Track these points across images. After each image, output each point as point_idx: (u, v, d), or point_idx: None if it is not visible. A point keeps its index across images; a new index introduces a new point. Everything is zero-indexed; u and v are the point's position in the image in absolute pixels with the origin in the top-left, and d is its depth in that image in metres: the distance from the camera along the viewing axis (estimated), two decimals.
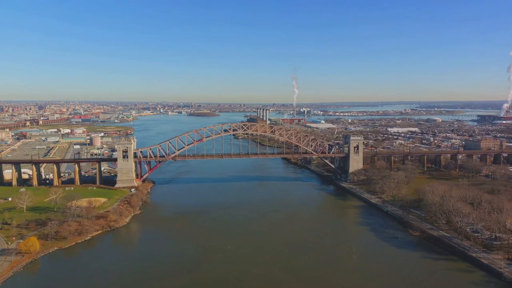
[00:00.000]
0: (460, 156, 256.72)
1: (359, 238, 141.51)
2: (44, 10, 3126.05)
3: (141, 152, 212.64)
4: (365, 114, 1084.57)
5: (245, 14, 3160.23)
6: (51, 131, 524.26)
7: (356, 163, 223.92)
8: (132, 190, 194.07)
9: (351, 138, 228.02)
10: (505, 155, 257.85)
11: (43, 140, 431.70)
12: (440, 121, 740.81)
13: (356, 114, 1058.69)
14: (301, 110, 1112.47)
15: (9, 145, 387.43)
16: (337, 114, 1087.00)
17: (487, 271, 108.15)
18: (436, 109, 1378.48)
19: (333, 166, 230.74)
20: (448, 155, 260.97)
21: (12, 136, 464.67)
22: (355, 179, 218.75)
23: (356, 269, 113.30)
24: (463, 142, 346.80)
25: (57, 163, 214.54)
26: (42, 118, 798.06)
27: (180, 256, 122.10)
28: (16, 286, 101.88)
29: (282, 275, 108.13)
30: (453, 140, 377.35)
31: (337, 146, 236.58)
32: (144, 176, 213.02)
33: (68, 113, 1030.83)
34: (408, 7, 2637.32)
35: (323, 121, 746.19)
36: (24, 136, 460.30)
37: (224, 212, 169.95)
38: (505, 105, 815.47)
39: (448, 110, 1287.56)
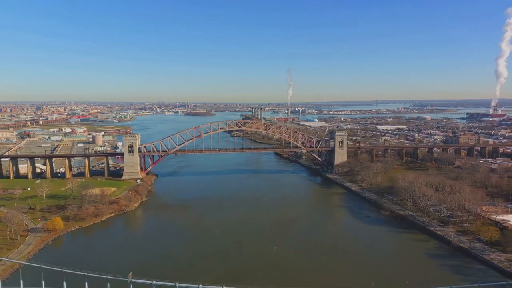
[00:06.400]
0: (439, 150, 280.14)
1: (337, 217, 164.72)
2: (41, 11, 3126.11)
3: (145, 147, 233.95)
4: (358, 112, 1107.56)
5: (241, 13, 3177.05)
6: (53, 131, 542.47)
7: (340, 156, 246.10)
8: (138, 181, 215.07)
9: (336, 133, 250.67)
10: (478, 148, 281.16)
11: (47, 139, 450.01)
12: (430, 119, 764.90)
13: (349, 113, 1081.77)
14: (296, 109, 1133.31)
15: (15, 143, 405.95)
16: (331, 113, 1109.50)
17: (440, 240, 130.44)
18: (428, 107, 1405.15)
19: (320, 159, 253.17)
20: (426, 148, 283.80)
21: (16, 135, 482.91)
22: (339, 170, 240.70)
23: (332, 237, 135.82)
24: (445, 138, 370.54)
25: (69, 157, 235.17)
26: (41, 118, 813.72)
27: (184, 233, 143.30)
28: (49, 254, 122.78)
29: (269, 241, 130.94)
30: (436, 136, 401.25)
31: (323, 141, 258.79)
32: (148, 169, 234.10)
33: (66, 113, 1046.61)
34: (405, 7, 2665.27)
35: (316, 120, 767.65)
36: (28, 135, 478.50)
37: (221, 198, 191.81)
38: (493, 101, 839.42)
39: (440, 108, 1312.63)
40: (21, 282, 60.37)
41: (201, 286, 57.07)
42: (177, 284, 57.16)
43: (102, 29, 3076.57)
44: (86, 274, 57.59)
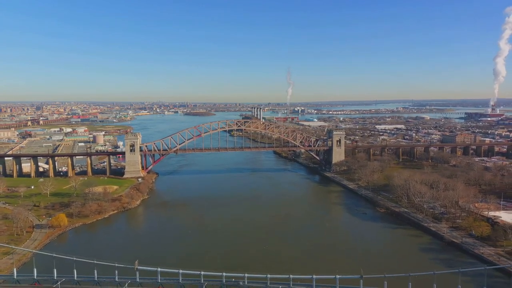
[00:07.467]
0: (435, 149, 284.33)
1: (334, 214, 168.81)
2: (41, 11, 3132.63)
3: (146, 146, 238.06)
4: (357, 112, 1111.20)
5: (241, 13, 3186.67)
6: (54, 130, 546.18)
7: (338, 155, 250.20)
8: (139, 179, 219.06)
9: (334, 132, 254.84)
10: (473, 147, 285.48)
11: (48, 139, 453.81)
12: (428, 118, 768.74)
13: (348, 113, 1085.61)
14: (295, 109, 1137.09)
15: (17, 143, 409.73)
16: (330, 112, 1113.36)
17: (433, 235, 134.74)
18: (427, 107, 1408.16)
19: (318, 158, 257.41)
20: (422, 147, 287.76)
21: (17, 135, 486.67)
22: (337, 169, 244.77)
23: (329, 233, 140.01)
24: (442, 137, 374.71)
25: (71, 156, 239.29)
26: (41, 118, 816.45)
27: (184, 231, 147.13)
28: (54, 249, 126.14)
29: (267, 237, 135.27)
30: (433, 136, 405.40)
31: (322, 140, 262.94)
32: (149, 168, 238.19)
33: (66, 113, 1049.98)
34: (405, 7, 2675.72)
35: (315, 120, 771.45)
36: (29, 135, 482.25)
37: (221, 196, 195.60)
38: (492, 101, 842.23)
39: (439, 108, 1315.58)
40: (35, 270, 64.70)
41: (202, 272, 61.58)
42: (180, 271, 61.66)
43: (102, 29, 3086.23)
44: (95, 262, 61.99)
